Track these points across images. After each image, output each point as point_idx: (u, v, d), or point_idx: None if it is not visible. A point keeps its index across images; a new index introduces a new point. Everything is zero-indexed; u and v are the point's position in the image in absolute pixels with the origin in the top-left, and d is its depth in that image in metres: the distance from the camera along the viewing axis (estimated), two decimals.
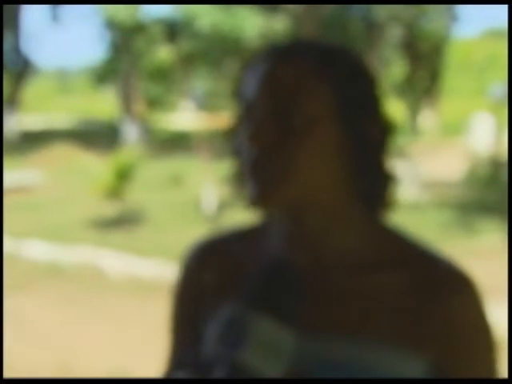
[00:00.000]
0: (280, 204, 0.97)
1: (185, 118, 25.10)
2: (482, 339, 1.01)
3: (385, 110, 1.02)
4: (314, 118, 0.96)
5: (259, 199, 0.97)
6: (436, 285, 0.99)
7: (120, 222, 10.16)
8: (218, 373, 0.88)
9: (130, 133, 20.48)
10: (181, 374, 0.90)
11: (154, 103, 25.71)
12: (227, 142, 1.04)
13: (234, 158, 1.01)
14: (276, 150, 0.95)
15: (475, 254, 8.18)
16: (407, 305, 0.98)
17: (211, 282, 1.06)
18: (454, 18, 24.59)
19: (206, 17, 20.34)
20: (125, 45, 22.00)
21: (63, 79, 39.15)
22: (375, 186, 1.01)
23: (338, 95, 0.97)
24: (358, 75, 1.00)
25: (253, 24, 20.24)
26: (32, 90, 27.63)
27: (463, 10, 40.89)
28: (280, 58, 0.99)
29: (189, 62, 23.49)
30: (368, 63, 1.03)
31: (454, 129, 20.51)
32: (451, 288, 0.99)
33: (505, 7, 15.30)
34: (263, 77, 0.98)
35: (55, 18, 22.87)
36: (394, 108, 22.50)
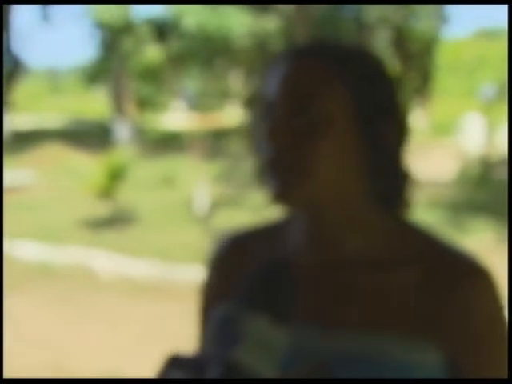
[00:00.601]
0: (299, 202, 0.99)
1: (176, 117, 25.08)
2: (498, 333, 1.02)
3: (402, 111, 1.04)
4: (332, 118, 0.98)
5: (279, 197, 0.98)
6: (453, 278, 1.00)
7: (112, 222, 10.14)
8: (213, 372, 0.88)
9: (122, 133, 20.44)
10: (176, 374, 0.90)
11: (145, 103, 25.67)
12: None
13: (255, 156, 1.03)
14: (294, 149, 0.97)
15: None
16: (424, 299, 0.99)
17: (235, 279, 1.07)
18: (444, 18, 24.66)
19: (193, 16, 20.34)
20: (114, 45, 21.96)
21: (54, 79, 39.05)
22: (392, 185, 1.04)
23: (356, 96, 1.00)
24: (376, 77, 1.03)
25: (240, 23, 20.23)
26: (23, 90, 27.53)
27: (453, 10, 41.02)
28: (300, 59, 1.02)
29: (179, 61, 23.48)
30: (389, 66, 1.05)
31: (445, 129, 20.57)
32: (468, 281, 1.00)
33: (495, 8, 15.39)
34: (283, 76, 1.00)
35: (45, 17, 22.81)
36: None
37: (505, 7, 10.60)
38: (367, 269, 1.02)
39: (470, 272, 1.01)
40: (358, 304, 1.00)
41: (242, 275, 1.06)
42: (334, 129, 0.98)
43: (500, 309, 1.02)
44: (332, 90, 0.99)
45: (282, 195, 0.98)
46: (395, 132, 1.02)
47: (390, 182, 1.03)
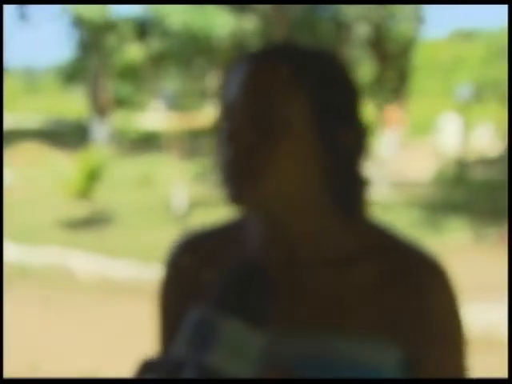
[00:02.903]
0: (253, 203, 1.00)
1: (155, 117, 25.00)
2: (454, 329, 1.03)
3: (362, 115, 1.05)
4: (290, 122, 0.98)
5: (235, 197, 0.99)
6: (408, 275, 1.01)
7: (89, 223, 10.10)
8: (186, 375, 0.88)
9: (100, 132, 20.35)
10: (149, 376, 0.90)
11: (124, 103, 25.56)
12: (208, 140, 1.07)
13: (214, 158, 1.04)
14: (252, 151, 0.98)
15: (442, 252, 8.27)
16: (382, 296, 1.00)
17: (192, 280, 1.08)
18: (421, 19, 24.81)
19: (176, 15, 20.28)
20: (93, 43, 21.84)
21: (31, 79, 38.74)
22: (349, 188, 1.04)
23: (315, 100, 1.00)
24: (337, 81, 1.03)
25: (223, 23, 20.22)
26: None
27: (430, 11, 41.25)
28: (260, 61, 1.02)
29: (159, 61, 23.40)
30: (350, 69, 1.06)
31: (422, 129, 20.69)
32: (423, 277, 1.01)
33: (472, 8, 15.48)
34: (243, 79, 1.01)
35: (22, 16, 22.63)
36: (363, 108, 22.57)
37: (480, 8, 10.69)
38: (324, 269, 1.02)
39: (427, 270, 1.01)
40: (315, 304, 1.01)
41: (198, 275, 1.07)
42: (292, 132, 0.98)
43: (457, 306, 1.03)
44: (291, 93, 0.99)
45: (236, 196, 0.99)
46: (353, 137, 1.02)
47: (347, 185, 1.03)
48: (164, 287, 1.14)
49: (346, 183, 1.03)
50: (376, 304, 1.00)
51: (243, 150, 0.98)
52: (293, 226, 1.02)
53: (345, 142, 1.01)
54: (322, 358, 0.98)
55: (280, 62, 1.00)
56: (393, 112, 18.19)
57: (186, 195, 10.52)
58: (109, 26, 21.46)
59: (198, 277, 1.07)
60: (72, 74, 24.93)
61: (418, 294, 1.00)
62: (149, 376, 0.90)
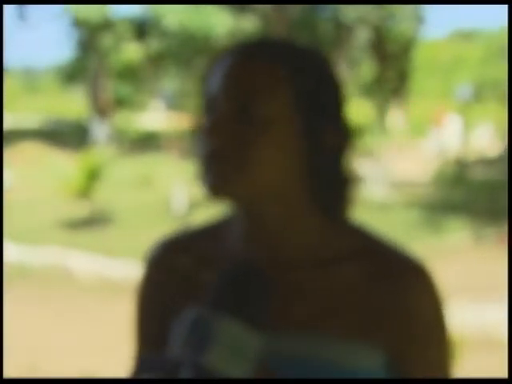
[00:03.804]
0: (232, 195, 0.98)
1: (154, 117, 25.00)
2: (437, 331, 1.02)
3: (346, 113, 1.04)
4: (273, 117, 0.97)
5: (213, 190, 0.98)
6: (391, 277, 1.00)
7: (89, 223, 10.10)
8: (184, 375, 0.88)
9: (99, 132, 20.35)
10: (146, 376, 0.90)
11: (124, 103, 25.56)
12: (193, 138, 1.05)
13: (196, 151, 1.03)
14: (232, 144, 0.96)
15: (442, 252, 8.27)
16: (364, 298, 1.00)
17: (174, 280, 1.07)
18: (421, 19, 24.82)
19: (175, 15, 20.28)
20: (92, 43, 21.84)
21: (31, 79, 38.75)
22: (332, 186, 1.02)
23: (299, 96, 0.98)
24: (321, 77, 1.01)
25: (222, 23, 20.23)
26: None
27: (430, 11, 41.23)
28: (244, 55, 1.00)
29: (158, 61, 23.40)
30: (335, 65, 1.05)
31: (422, 129, 20.69)
32: (406, 280, 1.00)
33: (472, 8, 15.50)
34: (225, 72, 0.99)
35: (22, 17, 22.64)
36: (363, 108, 22.62)
37: (480, 8, 10.71)
38: (306, 268, 1.01)
39: (410, 272, 1.00)
40: (299, 304, 1.00)
41: (179, 276, 1.06)
42: (275, 127, 0.97)
43: (441, 308, 1.02)
44: (275, 88, 0.97)
45: (215, 188, 0.97)
46: (337, 134, 1.01)
47: (331, 183, 1.02)
48: (144, 286, 1.12)
49: (329, 183, 1.02)
50: (359, 305, 0.99)
51: (223, 143, 0.96)
52: (273, 224, 1.01)
53: (329, 140, 1.00)
54: (305, 359, 0.98)
55: (265, 57, 0.99)
56: (441, 111, 18.21)
57: (186, 195, 10.52)
58: (108, 26, 21.45)
59: (180, 277, 1.06)
60: (72, 74, 24.94)
61: (401, 296, 0.99)
62: (146, 376, 0.90)
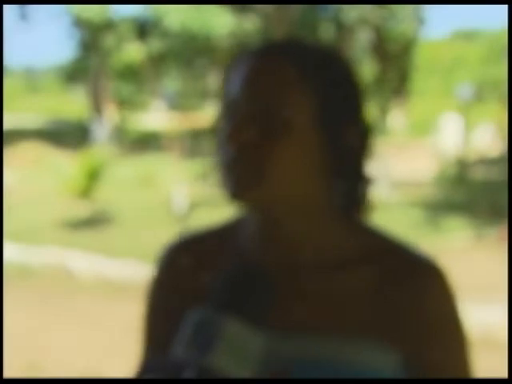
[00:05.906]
0: (254, 201, 0.98)
1: (155, 117, 25.00)
2: (453, 331, 1.02)
3: (365, 115, 1.03)
4: (293, 121, 0.97)
5: (235, 195, 0.98)
6: (407, 277, 1.00)
7: (90, 223, 10.10)
8: (187, 375, 0.88)
9: (101, 132, 20.35)
10: (150, 377, 0.90)
11: (125, 102, 25.57)
12: (209, 140, 1.05)
13: (214, 157, 1.02)
14: (253, 150, 0.96)
15: (444, 252, 8.27)
16: (380, 298, 1.00)
17: (184, 282, 1.06)
18: (421, 19, 24.82)
19: (176, 15, 20.27)
20: (94, 43, 21.85)
21: (31, 78, 38.76)
22: (351, 189, 1.03)
23: (320, 99, 0.98)
24: (342, 80, 1.01)
25: (223, 23, 20.22)
26: None
27: (430, 11, 41.24)
28: (265, 58, 1.00)
29: (159, 60, 23.40)
30: (355, 69, 1.04)
31: (423, 129, 20.69)
32: (422, 280, 1.00)
33: (472, 8, 15.50)
34: (245, 76, 0.99)
35: (23, 16, 22.64)
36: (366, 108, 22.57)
37: (480, 8, 10.72)
38: (323, 271, 1.01)
39: (425, 272, 1.01)
40: (314, 306, 1.00)
41: (190, 278, 1.05)
42: (294, 131, 0.97)
43: (455, 308, 1.02)
44: (295, 91, 0.97)
45: (237, 194, 0.97)
46: (357, 137, 1.02)
47: (350, 185, 1.03)
48: (155, 288, 1.12)
49: (348, 185, 1.02)
50: (374, 306, 0.99)
51: (244, 149, 0.96)
52: (292, 226, 1.01)
53: (348, 142, 1.00)
54: (320, 360, 0.97)
55: (285, 59, 0.98)
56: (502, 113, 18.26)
57: (187, 195, 10.52)
58: (109, 26, 21.46)
59: (191, 278, 1.06)
60: (73, 74, 24.95)
61: (416, 296, 1.00)
62: (150, 376, 0.90)
